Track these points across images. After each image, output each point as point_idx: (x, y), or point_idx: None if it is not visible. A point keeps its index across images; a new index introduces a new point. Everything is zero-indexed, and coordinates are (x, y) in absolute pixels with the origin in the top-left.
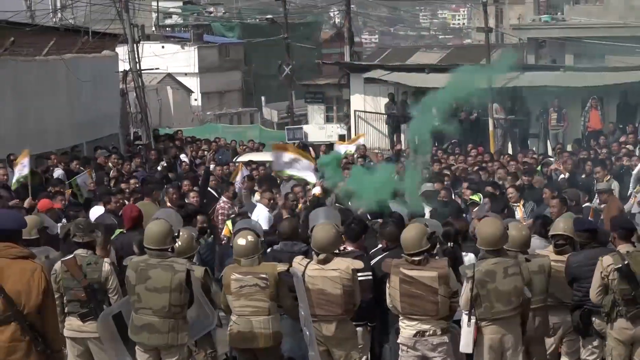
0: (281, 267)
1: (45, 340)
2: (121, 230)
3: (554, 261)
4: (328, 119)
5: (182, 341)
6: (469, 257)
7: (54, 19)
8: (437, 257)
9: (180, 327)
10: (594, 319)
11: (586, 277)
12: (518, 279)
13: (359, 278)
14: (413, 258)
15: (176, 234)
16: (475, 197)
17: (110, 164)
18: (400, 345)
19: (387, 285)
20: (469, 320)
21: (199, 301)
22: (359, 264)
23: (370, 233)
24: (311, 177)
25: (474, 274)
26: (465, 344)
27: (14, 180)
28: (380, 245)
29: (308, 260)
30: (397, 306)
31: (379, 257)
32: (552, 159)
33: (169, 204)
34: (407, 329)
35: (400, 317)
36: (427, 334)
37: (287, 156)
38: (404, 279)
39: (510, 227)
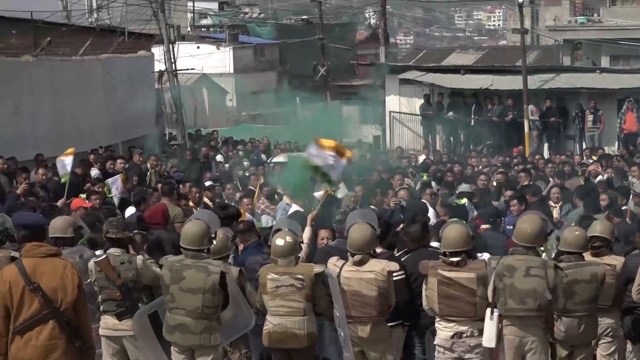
0: (318, 268)
1: (80, 335)
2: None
3: None
4: (363, 120)
5: (215, 342)
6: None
7: (90, 19)
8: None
9: (213, 328)
10: None
11: None
12: (540, 282)
13: (394, 278)
14: (451, 259)
15: (213, 236)
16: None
17: (149, 165)
18: (437, 347)
19: (424, 287)
20: (492, 314)
21: (237, 302)
22: (395, 266)
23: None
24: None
25: (497, 265)
26: (488, 339)
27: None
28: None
29: (344, 261)
30: (434, 308)
31: (403, 258)
32: (590, 161)
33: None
34: (444, 330)
35: (437, 319)
36: (465, 335)
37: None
38: (442, 280)
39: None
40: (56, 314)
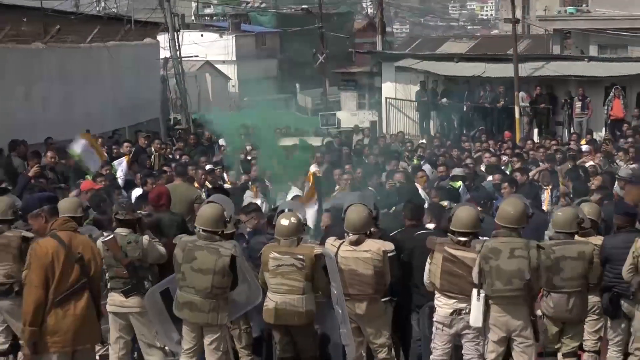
0: (318, 249)
1: (98, 305)
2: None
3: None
4: (360, 106)
5: (222, 321)
6: None
7: (97, 8)
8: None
9: (221, 307)
10: (622, 302)
11: (619, 259)
12: (523, 262)
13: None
14: (459, 238)
15: (228, 219)
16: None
17: (152, 148)
18: (436, 324)
19: (429, 261)
20: (478, 294)
21: (246, 279)
22: (390, 246)
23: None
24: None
25: (482, 248)
26: (474, 318)
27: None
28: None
29: (341, 241)
30: (435, 282)
31: (396, 232)
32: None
33: (196, 185)
34: (443, 307)
35: (437, 296)
36: (464, 312)
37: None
38: (447, 257)
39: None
40: (90, 284)
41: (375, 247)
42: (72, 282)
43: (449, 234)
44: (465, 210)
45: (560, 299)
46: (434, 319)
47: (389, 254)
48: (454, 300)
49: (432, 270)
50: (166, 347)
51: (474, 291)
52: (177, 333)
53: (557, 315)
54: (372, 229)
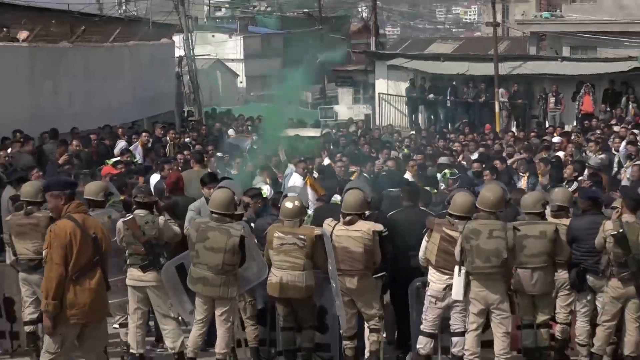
0: (318, 231)
1: (107, 280)
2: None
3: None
4: (355, 100)
5: (232, 295)
6: None
7: (119, 11)
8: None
9: (230, 282)
10: (588, 276)
11: (585, 239)
12: (501, 242)
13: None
14: (456, 221)
15: (238, 203)
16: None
17: (168, 138)
18: (429, 298)
19: (426, 239)
20: (460, 271)
21: (253, 257)
22: (379, 227)
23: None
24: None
25: (464, 229)
26: (456, 292)
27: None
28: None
29: (336, 221)
30: (431, 259)
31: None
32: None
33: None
34: (437, 283)
35: (431, 271)
36: None
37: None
38: (444, 237)
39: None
40: (102, 260)
41: (365, 227)
42: (88, 259)
43: (447, 216)
44: (462, 196)
45: (524, 274)
46: (428, 293)
47: (379, 234)
48: (447, 277)
49: (428, 248)
50: (179, 317)
51: (456, 268)
52: (190, 304)
53: (523, 289)
54: (366, 212)
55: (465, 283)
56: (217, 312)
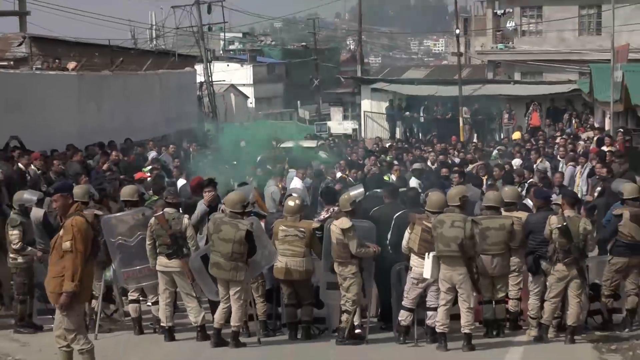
0: (315, 224)
1: None
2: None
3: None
4: (345, 117)
5: (241, 278)
6: None
7: (150, 45)
8: None
9: (240, 267)
10: (541, 262)
11: (539, 231)
12: (459, 231)
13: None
14: (433, 215)
15: (250, 203)
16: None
17: (191, 149)
18: (412, 280)
19: (409, 231)
20: (429, 255)
21: (265, 246)
22: (347, 224)
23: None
24: None
25: (434, 220)
26: (425, 272)
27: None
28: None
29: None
30: (414, 247)
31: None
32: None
33: None
34: (419, 267)
35: (413, 258)
36: None
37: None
38: (424, 229)
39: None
40: (95, 253)
41: (338, 222)
42: (91, 251)
43: (426, 211)
44: (435, 195)
45: (486, 259)
46: (410, 276)
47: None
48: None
49: (411, 238)
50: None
51: (427, 253)
52: (214, 286)
53: (485, 271)
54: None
55: (435, 265)
56: (231, 292)
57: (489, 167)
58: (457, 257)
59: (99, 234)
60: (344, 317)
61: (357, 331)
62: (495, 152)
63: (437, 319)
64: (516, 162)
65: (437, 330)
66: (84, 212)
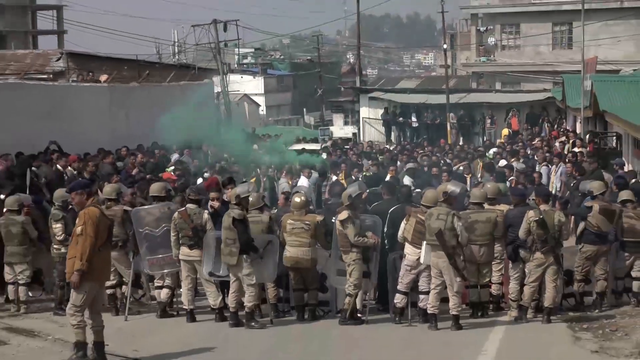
0: (319, 217)
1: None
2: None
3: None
4: (345, 123)
5: (233, 262)
6: None
7: (173, 59)
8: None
9: (233, 252)
10: (520, 251)
11: (517, 224)
12: (441, 222)
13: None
14: (426, 209)
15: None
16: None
17: (209, 151)
18: (405, 267)
19: (404, 222)
20: (425, 242)
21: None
22: (343, 216)
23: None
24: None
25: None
26: (422, 258)
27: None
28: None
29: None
30: (408, 237)
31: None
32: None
33: None
34: (412, 255)
35: (407, 247)
36: None
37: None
38: (418, 221)
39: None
40: (110, 242)
41: (339, 215)
42: (107, 238)
43: (421, 205)
44: (430, 192)
45: (474, 248)
46: (404, 263)
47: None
48: (419, 250)
49: (406, 229)
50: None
51: (423, 242)
52: (210, 267)
53: (473, 259)
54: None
55: (427, 252)
56: (239, 275)
57: (472, 167)
58: (438, 245)
59: (128, 227)
60: (347, 299)
61: (359, 314)
62: (491, 151)
63: (429, 302)
64: (501, 162)
65: (428, 311)
66: (114, 207)
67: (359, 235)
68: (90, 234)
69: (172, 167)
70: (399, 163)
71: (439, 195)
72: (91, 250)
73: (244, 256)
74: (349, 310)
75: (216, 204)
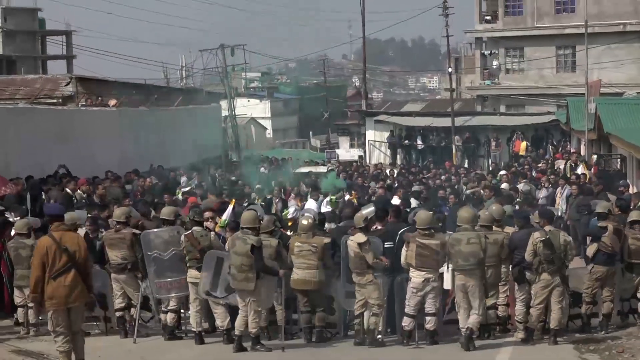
0: (326, 240)
1: (88, 281)
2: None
3: None
4: (352, 146)
5: (251, 288)
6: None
7: (181, 84)
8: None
9: (249, 278)
10: (526, 273)
11: (523, 246)
12: (476, 246)
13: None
14: (425, 232)
15: (261, 219)
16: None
17: (217, 175)
18: (411, 289)
19: (405, 249)
20: (448, 267)
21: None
22: (363, 238)
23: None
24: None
25: (449, 239)
26: (446, 283)
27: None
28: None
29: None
30: (412, 262)
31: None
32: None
33: None
34: (417, 277)
35: (412, 270)
36: (431, 280)
37: None
38: (419, 245)
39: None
40: (75, 265)
41: (357, 238)
42: (62, 265)
43: (417, 229)
44: (423, 214)
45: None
46: (410, 286)
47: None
48: (424, 272)
49: (408, 255)
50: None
51: (444, 266)
52: (208, 285)
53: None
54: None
55: (452, 277)
56: (247, 301)
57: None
58: (473, 269)
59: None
60: (372, 320)
61: (378, 337)
62: (501, 173)
63: (469, 323)
64: (504, 186)
65: (474, 331)
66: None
67: (375, 257)
68: (35, 264)
69: (188, 189)
70: (395, 184)
71: (465, 218)
72: (37, 281)
73: (258, 281)
74: (375, 330)
75: (211, 224)
